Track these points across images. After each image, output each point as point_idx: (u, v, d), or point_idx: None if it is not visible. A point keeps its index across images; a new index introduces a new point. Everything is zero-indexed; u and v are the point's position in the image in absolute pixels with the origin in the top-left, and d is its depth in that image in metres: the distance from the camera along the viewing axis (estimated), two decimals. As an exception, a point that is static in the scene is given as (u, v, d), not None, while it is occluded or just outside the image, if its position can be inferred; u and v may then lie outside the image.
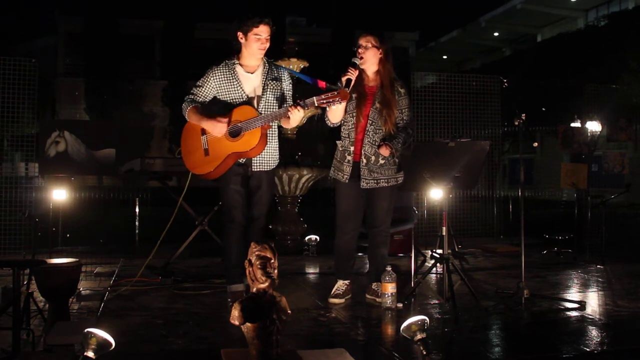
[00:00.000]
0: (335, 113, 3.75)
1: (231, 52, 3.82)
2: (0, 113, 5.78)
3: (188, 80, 17.88)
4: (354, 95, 3.76)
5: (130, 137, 15.26)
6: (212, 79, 3.74)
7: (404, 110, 3.84)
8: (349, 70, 3.64)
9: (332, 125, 3.84)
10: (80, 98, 18.42)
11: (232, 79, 3.71)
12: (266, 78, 3.76)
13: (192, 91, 3.78)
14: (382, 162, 3.79)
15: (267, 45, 3.71)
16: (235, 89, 3.71)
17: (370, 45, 3.76)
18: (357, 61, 3.73)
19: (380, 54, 3.79)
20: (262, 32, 3.65)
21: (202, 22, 20.46)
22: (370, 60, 3.78)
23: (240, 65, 3.75)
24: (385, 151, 3.69)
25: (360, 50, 3.77)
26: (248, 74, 3.74)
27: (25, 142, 6.05)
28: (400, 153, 3.84)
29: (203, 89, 3.76)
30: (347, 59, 3.93)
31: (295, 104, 3.54)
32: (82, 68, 18.95)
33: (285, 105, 3.71)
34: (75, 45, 20.09)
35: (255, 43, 3.66)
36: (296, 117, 3.59)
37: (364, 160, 3.78)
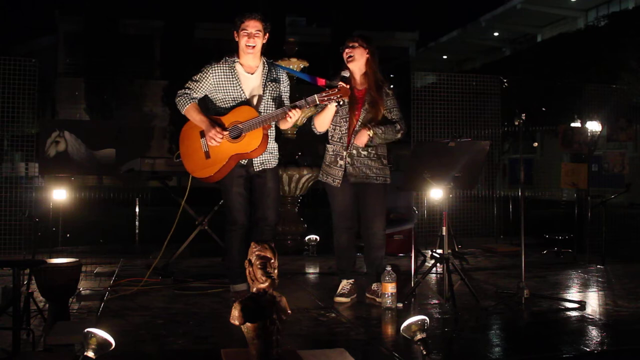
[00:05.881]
0: (323, 121, 3.82)
1: (231, 51, 3.79)
2: (0, 113, 5.76)
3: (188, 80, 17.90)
4: (345, 100, 3.77)
5: (130, 137, 15.27)
6: (210, 75, 3.66)
7: (392, 110, 3.89)
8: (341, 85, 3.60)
9: (318, 133, 3.91)
10: (80, 98, 18.43)
11: (232, 77, 3.65)
12: (266, 79, 3.72)
13: (187, 85, 3.68)
14: (364, 153, 3.81)
15: (257, 42, 3.62)
16: (235, 88, 3.65)
17: (357, 44, 3.83)
18: (347, 74, 3.76)
19: (367, 54, 3.86)
20: (249, 26, 3.59)
21: (202, 22, 20.48)
22: (358, 59, 3.84)
23: (241, 64, 3.70)
24: (363, 133, 3.71)
25: (347, 50, 3.84)
26: (248, 74, 3.69)
27: (25, 142, 6.04)
28: (386, 139, 3.84)
29: (200, 85, 3.67)
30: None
31: (294, 106, 3.54)
32: (82, 68, 18.96)
33: (284, 106, 3.67)
34: (75, 45, 20.11)
35: (243, 38, 3.60)
36: (295, 117, 3.61)
37: (349, 159, 3.82)
